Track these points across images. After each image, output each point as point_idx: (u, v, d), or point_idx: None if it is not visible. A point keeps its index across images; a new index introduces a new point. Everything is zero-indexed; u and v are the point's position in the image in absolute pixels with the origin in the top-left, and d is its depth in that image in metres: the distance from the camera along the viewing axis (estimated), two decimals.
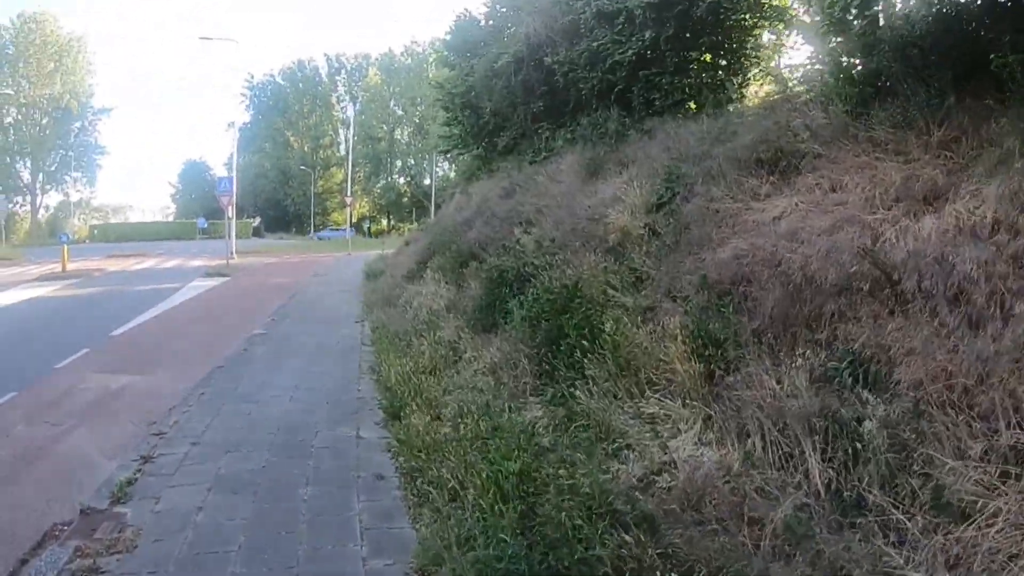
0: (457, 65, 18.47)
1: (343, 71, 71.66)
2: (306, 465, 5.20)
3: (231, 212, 27.92)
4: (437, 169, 63.12)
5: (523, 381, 5.76)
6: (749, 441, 3.89)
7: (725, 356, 4.66)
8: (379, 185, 67.42)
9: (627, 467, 4.06)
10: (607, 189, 8.68)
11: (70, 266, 22.87)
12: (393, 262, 18.71)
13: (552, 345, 5.69)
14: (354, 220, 52.77)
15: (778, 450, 3.72)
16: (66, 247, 20.89)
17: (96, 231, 62.24)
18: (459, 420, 5.21)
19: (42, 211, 63.32)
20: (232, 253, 26.81)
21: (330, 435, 5.89)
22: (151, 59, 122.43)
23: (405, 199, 66.50)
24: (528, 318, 6.24)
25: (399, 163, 67.14)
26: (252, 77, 69.88)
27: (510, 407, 5.30)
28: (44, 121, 59.42)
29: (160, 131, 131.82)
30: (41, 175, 60.71)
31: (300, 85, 69.96)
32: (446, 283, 10.42)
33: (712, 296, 5.24)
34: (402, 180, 67.73)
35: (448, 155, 24.60)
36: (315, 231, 60.85)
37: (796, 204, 5.50)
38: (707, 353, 4.72)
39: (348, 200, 39.09)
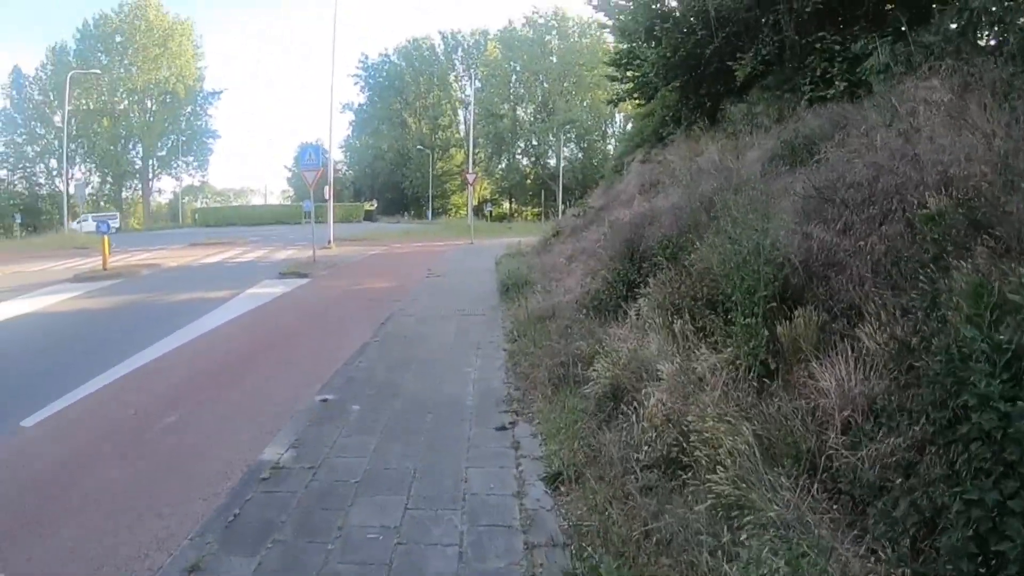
0: None
1: (460, 49, 68.06)
2: None
3: (327, 192, 22.68)
4: (564, 149, 57.48)
5: None
6: None
7: None
8: (501, 166, 62.61)
9: None
10: None
11: (127, 260, 19.21)
12: (542, 264, 12.93)
13: None
14: (475, 203, 47.55)
15: None
16: (107, 239, 16.69)
17: (198, 215, 59.75)
18: None
19: (155, 195, 64.35)
20: (329, 241, 22.18)
21: None
22: (266, 36, 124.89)
23: (528, 181, 61.39)
24: None
25: (521, 143, 61.86)
26: (366, 57, 67.74)
27: None
28: (153, 107, 59.72)
29: (279, 115, 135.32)
30: (152, 160, 60.99)
31: (416, 64, 66.89)
32: (709, 348, 4.27)
33: None
34: (525, 161, 62.49)
35: (618, 106, 18.28)
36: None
37: None
38: None
39: (470, 178, 32.90)
